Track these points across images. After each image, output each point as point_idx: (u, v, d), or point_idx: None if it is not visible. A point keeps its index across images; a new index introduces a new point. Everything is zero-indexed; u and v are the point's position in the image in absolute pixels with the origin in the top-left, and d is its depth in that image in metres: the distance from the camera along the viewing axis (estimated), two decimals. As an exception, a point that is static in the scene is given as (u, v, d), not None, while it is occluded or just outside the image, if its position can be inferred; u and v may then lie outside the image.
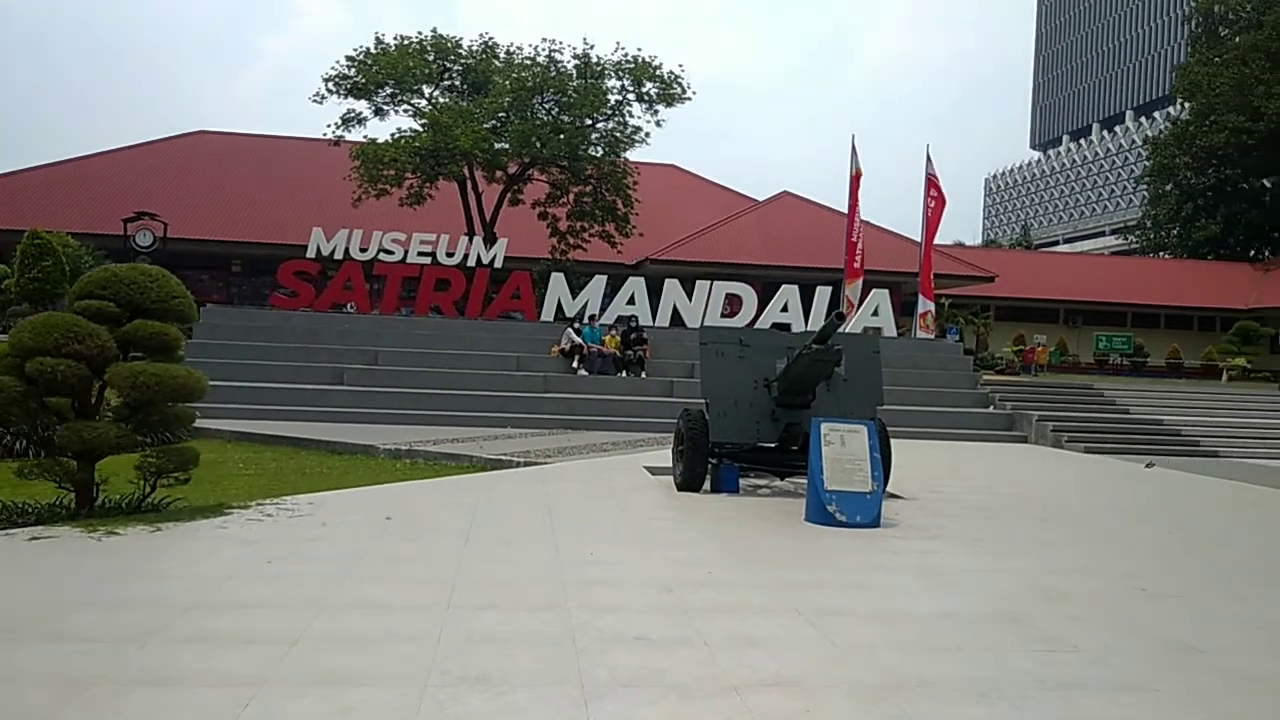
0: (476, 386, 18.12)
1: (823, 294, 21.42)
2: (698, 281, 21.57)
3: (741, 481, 10.08)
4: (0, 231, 31.50)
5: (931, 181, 23.26)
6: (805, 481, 10.64)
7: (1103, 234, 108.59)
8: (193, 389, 7.36)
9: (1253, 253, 57.05)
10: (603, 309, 20.86)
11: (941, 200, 23.54)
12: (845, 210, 24.15)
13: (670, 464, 11.79)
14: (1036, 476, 13.34)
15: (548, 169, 31.41)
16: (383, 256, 21.06)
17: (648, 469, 11.71)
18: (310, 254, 20.99)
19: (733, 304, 21.55)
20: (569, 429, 16.92)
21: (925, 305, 23.04)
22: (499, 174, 31.16)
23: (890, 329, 21.14)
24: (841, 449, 8.27)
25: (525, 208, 31.90)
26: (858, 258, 22.92)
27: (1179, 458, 16.22)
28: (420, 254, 21.23)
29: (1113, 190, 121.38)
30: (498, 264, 21.58)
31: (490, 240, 23.82)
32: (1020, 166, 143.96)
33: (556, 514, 8.07)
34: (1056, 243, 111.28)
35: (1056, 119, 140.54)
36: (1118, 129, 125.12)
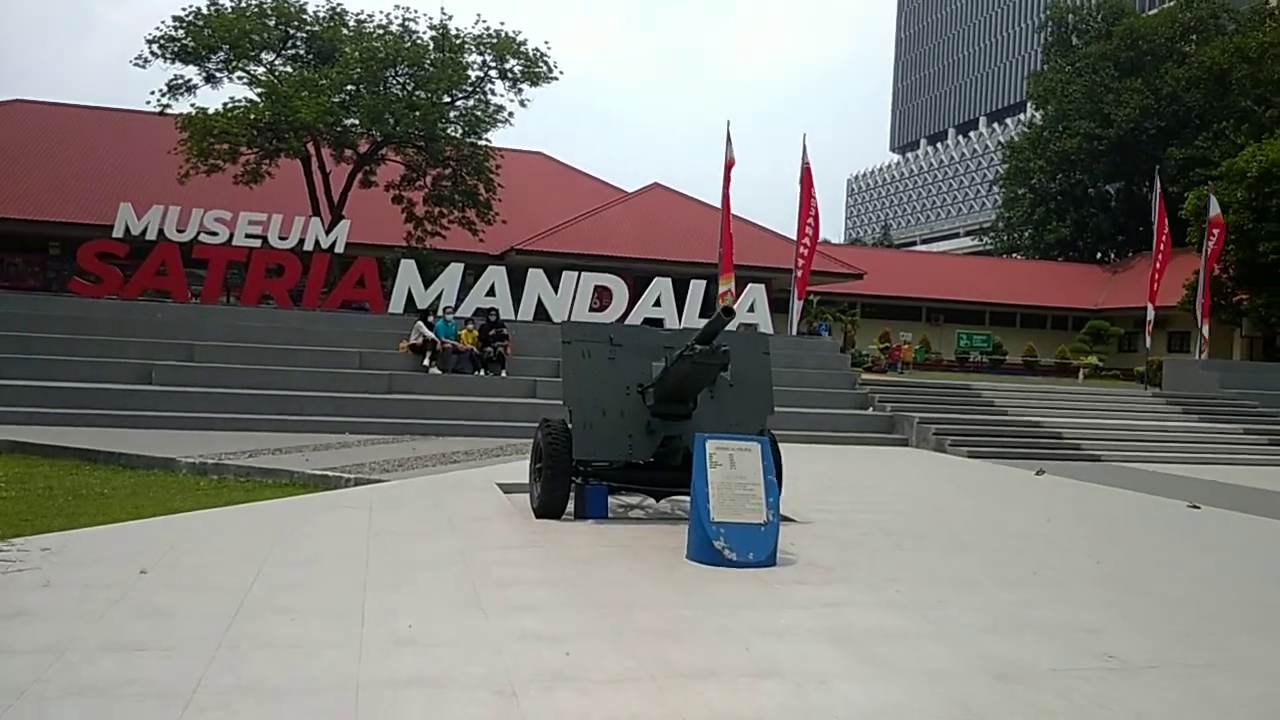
0: (310, 386, 16.02)
1: (697, 288, 20.15)
2: (564, 272, 19.95)
3: (611, 500, 8.55)
4: None
5: (808, 173, 22.31)
6: (686, 501, 9.24)
7: (958, 235, 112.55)
8: None
9: (1099, 255, 59.41)
10: (459, 301, 18.98)
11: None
12: (718, 203, 22.97)
13: (528, 481, 10.21)
14: (929, 488, 12.31)
15: (403, 149, 29.18)
16: (204, 238, 18.55)
17: (501, 487, 10.04)
18: (118, 233, 18.30)
19: (602, 297, 20.04)
20: (417, 435, 15.05)
21: (797, 303, 22.11)
22: (348, 153, 28.75)
23: (767, 325, 20.04)
24: (730, 471, 6.82)
25: (378, 191, 29.57)
26: (721, 250, 21.75)
27: (1064, 462, 15.61)
28: (249, 236, 18.83)
29: (967, 193, 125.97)
30: (339, 248, 19.39)
31: (335, 224, 21.54)
32: (881, 168, 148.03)
33: (374, 560, 6.32)
34: (915, 243, 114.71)
35: (915, 123, 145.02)
36: (972, 134, 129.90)
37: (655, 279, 20.04)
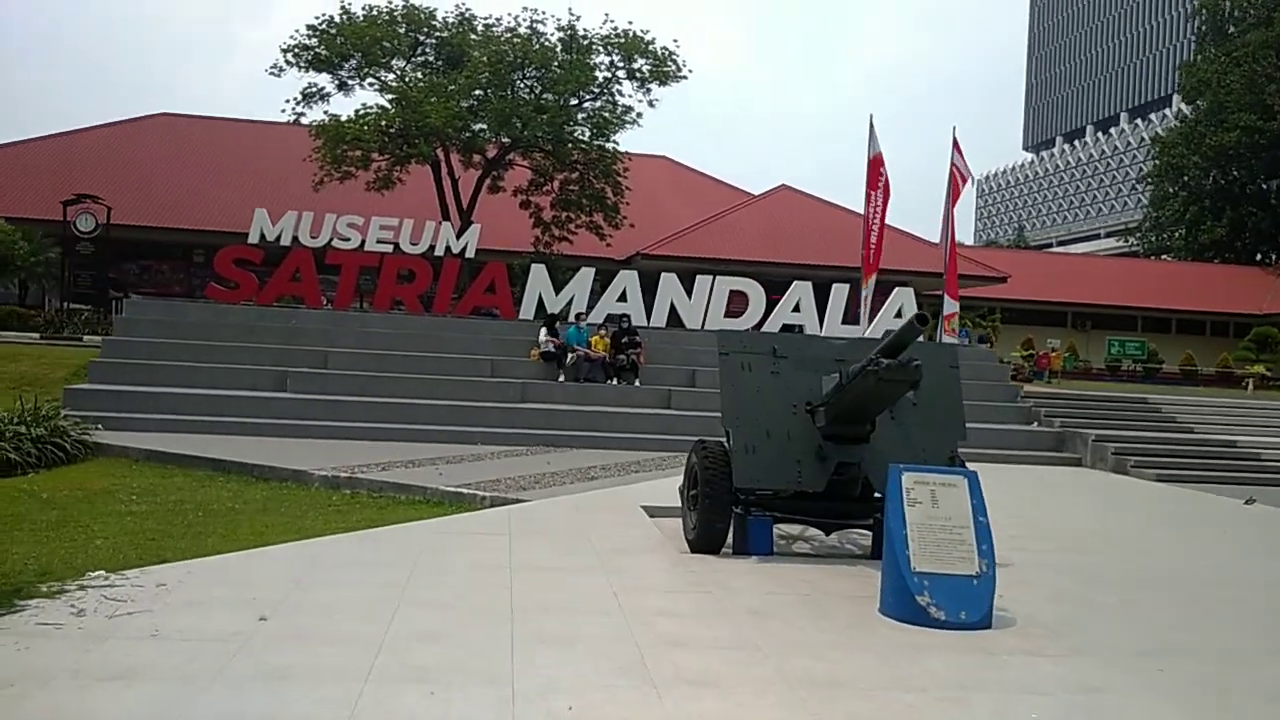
0: (443, 395, 15.55)
1: (839, 292, 18.94)
2: (698, 277, 19.03)
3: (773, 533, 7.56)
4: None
5: (956, 170, 20.78)
6: (858, 535, 8.18)
7: (1098, 236, 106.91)
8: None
9: (1259, 257, 55.01)
10: (590, 306, 18.29)
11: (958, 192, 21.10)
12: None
13: (677, 504, 9.30)
14: (1126, 520, 10.87)
15: (530, 153, 28.84)
16: (337, 243, 18.40)
17: (647, 510, 9.17)
18: (253, 239, 18.32)
19: (737, 302, 19.03)
20: (550, 446, 14.37)
21: (951, 306, 20.56)
22: (476, 158, 28.57)
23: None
24: (932, 510, 5.75)
25: (506, 196, 29.32)
26: (870, 252, 20.38)
27: (1270, 488, 13.78)
28: (380, 241, 18.59)
29: (1108, 192, 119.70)
30: (470, 254, 18.97)
31: (464, 229, 21.18)
32: (1014, 168, 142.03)
33: (520, 603, 5.51)
34: (1051, 244, 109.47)
35: (1049, 120, 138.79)
36: (1113, 130, 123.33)
37: (795, 283, 18.93)
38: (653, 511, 9.15)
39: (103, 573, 6.51)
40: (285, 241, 18.27)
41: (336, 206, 22.05)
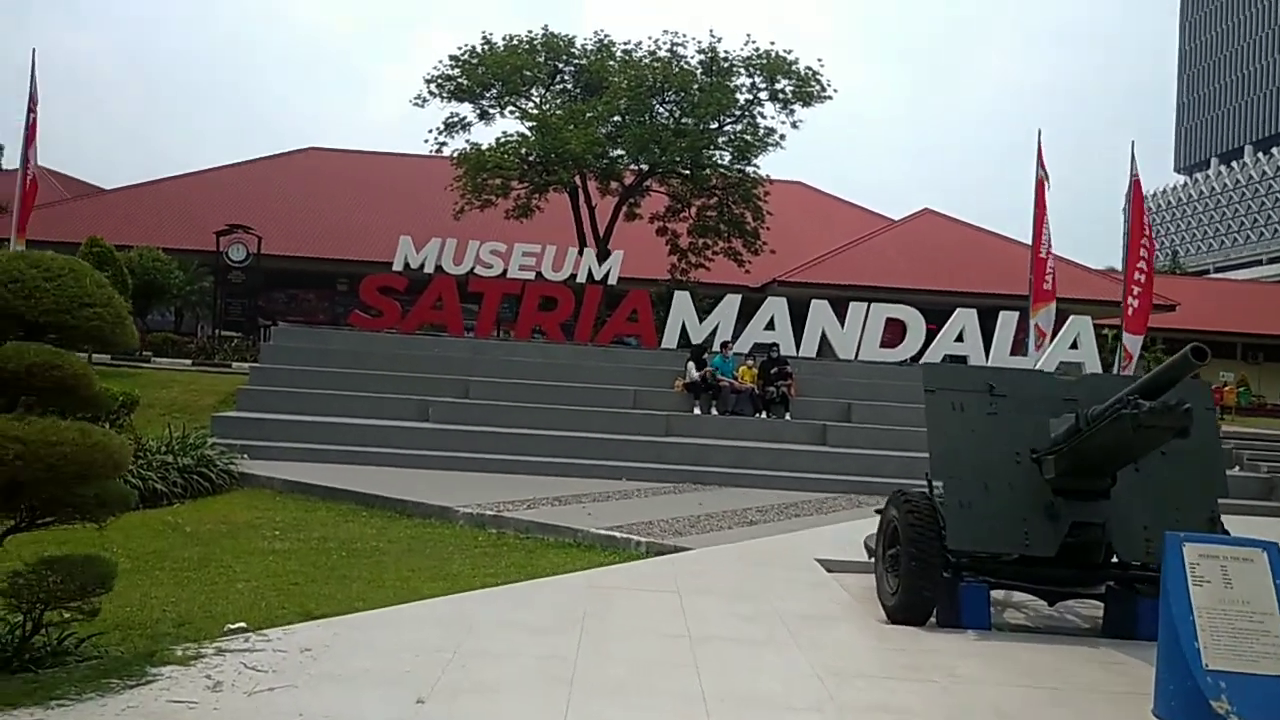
0: (585, 427, 14.91)
1: (1007, 320, 17.49)
2: (850, 304, 17.93)
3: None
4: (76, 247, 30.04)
5: (1138, 187, 19.06)
6: (1083, 606, 7.00)
7: (1260, 262, 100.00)
8: (92, 462, 4.24)
9: None
10: (735, 335, 17.41)
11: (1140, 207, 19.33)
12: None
13: (853, 558, 8.31)
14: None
15: (667, 179, 28.28)
16: (479, 270, 18.10)
17: (823, 565, 8.18)
18: (397, 267, 18.21)
19: (893, 331, 17.84)
20: (697, 484, 13.50)
21: (1132, 340, 18.79)
22: (613, 185, 28.19)
23: (1095, 365, 17.05)
24: (1225, 592, 4.61)
25: (641, 223, 28.83)
26: (1048, 278, 18.82)
27: None
28: (522, 268, 18.21)
29: (1270, 215, 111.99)
30: (612, 281, 18.39)
31: (604, 256, 20.68)
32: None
33: (710, 688, 4.63)
34: (1208, 270, 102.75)
35: (1203, 141, 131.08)
36: (1275, 150, 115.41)
37: (957, 310, 17.60)
38: (829, 565, 8.17)
39: (243, 626, 5.98)
40: (429, 269, 18.10)
41: (476, 235, 21.91)
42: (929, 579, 6.10)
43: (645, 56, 26.51)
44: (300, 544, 8.94)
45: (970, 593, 6.16)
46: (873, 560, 7.36)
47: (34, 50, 18.05)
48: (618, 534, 9.44)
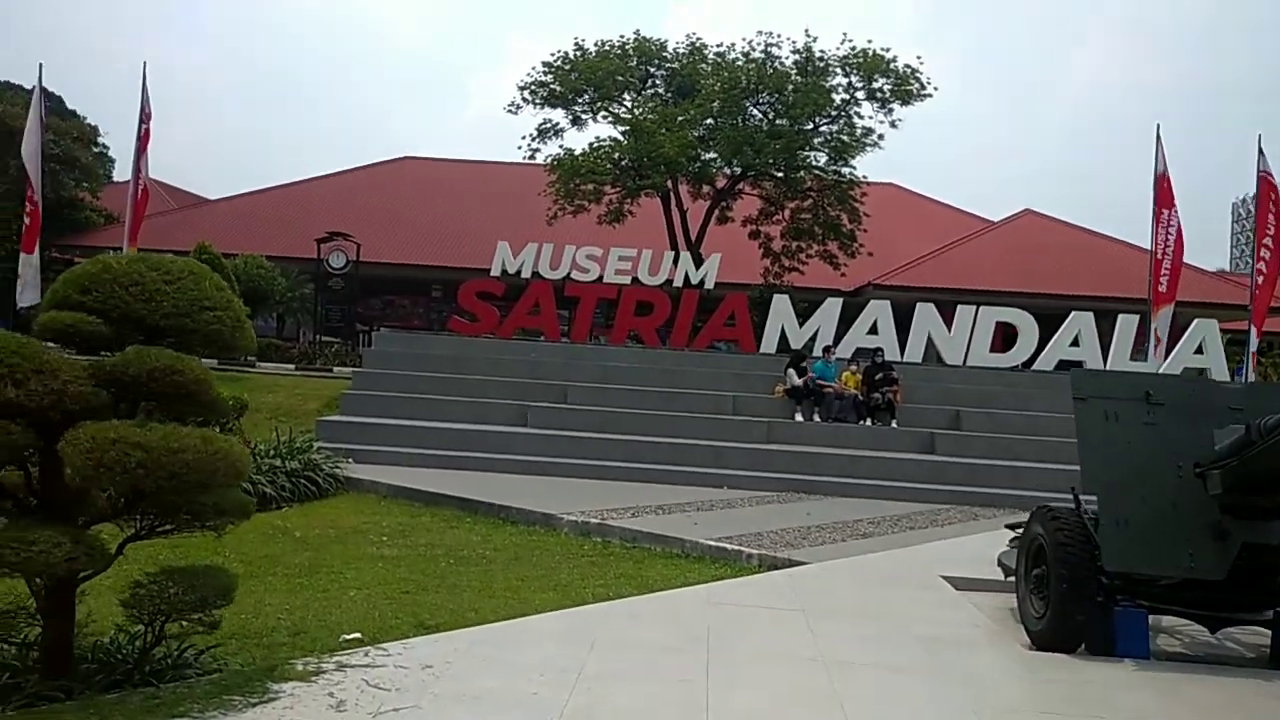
0: (684, 433, 14.61)
1: (1126, 324, 16.60)
2: (958, 307, 17.26)
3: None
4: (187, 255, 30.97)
5: (1266, 181, 17.96)
6: (1254, 635, 6.42)
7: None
8: (214, 471, 4.11)
9: None
10: (836, 339, 16.90)
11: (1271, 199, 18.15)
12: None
13: (982, 575, 7.83)
14: None
15: (760, 182, 27.83)
16: (575, 275, 17.98)
17: (950, 582, 7.72)
18: (494, 272, 18.20)
19: (1003, 335, 17.11)
20: (801, 492, 13.07)
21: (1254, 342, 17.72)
22: (705, 189, 27.86)
23: (1221, 371, 16.06)
24: None
25: (732, 227, 28.44)
26: (1164, 279, 17.86)
27: None
28: (619, 272, 18.02)
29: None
30: (709, 285, 18.06)
31: (697, 260, 20.35)
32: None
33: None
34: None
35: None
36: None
37: (1073, 314, 16.78)
38: (956, 583, 7.71)
39: (358, 637, 5.85)
40: (526, 274, 18.04)
41: (569, 240, 21.85)
42: (1081, 603, 5.63)
43: (739, 58, 26.13)
44: (408, 550, 8.86)
45: (1127, 618, 5.67)
46: (1009, 579, 6.91)
47: (144, 64, 18.59)
48: (728, 545, 9.12)
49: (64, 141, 32.50)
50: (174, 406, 4.48)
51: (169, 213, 37.55)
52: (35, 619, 4.27)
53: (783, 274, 28.07)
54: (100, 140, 37.65)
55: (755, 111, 26.12)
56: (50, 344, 4.36)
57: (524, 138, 27.78)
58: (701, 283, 18.06)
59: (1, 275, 33.01)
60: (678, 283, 18.02)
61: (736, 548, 9.05)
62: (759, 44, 25.99)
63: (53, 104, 31.07)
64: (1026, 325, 16.92)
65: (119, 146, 46.18)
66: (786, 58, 26.09)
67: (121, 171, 39.04)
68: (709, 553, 9.08)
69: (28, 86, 35.89)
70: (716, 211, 27.90)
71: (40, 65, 33.42)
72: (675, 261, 18.35)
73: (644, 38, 27.25)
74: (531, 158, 27.44)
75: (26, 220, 20.22)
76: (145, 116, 18.69)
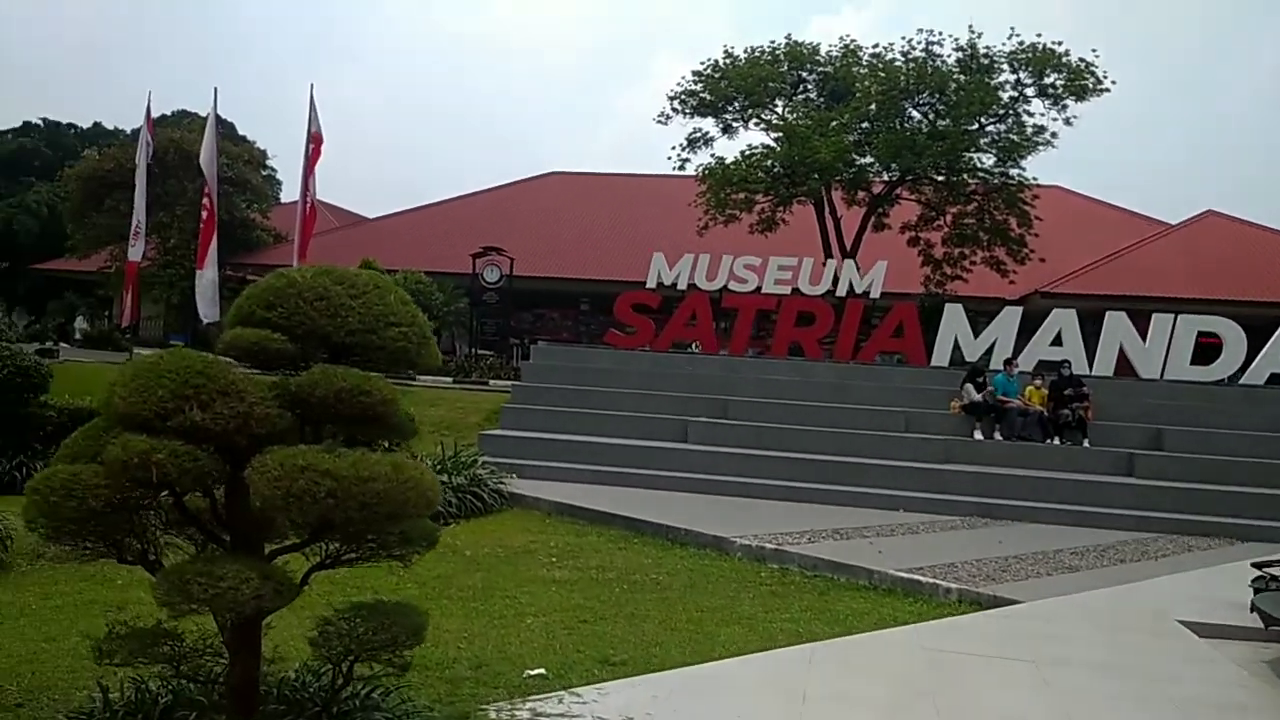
0: (852, 451, 13.83)
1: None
2: (1154, 315, 15.81)
3: None
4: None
5: None
6: None
7: None
8: (405, 501, 3.74)
9: None
10: (1016, 351, 15.73)
11: None
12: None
13: (1229, 621, 6.84)
14: None
15: (919, 186, 26.59)
16: (733, 286, 17.40)
17: (1189, 628, 6.76)
18: (650, 284, 17.83)
19: (1204, 347, 15.57)
20: (986, 517, 12.10)
21: None
22: (861, 195, 26.82)
23: None
24: None
25: (888, 234, 27.26)
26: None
27: None
28: (778, 282, 17.33)
29: None
30: (875, 293, 17.16)
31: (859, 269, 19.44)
32: None
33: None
34: None
35: None
36: None
37: (1289, 322, 15.11)
38: (1201, 630, 6.75)
39: (542, 673, 5.46)
40: (682, 285, 17.59)
41: (719, 251, 21.32)
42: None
43: (897, 58, 25.00)
44: (579, 573, 8.49)
45: None
46: (1272, 629, 5.95)
47: (311, 85, 19.15)
48: (921, 577, 8.37)
49: (236, 165, 34.18)
50: (358, 429, 4.16)
51: (332, 231, 39.07)
52: (221, 655, 4.02)
53: (945, 282, 26.73)
54: (269, 163, 39.56)
55: (915, 113, 24.95)
56: (232, 361, 4.12)
57: (673, 148, 27.37)
58: (868, 291, 17.18)
59: (181, 293, 35.14)
60: (840, 292, 17.19)
61: (931, 580, 8.29)
62: (919, 42, 24.83)
63: (224, 129, 32.72)
64: (1234, 336, 15.32)
65: (284, 169, 48.52)
66: (949, 55, 24.83)
67: (288, 193, 40.96)
68: (900, 585, 8.35)
69: (202, 114, 38.31)
70: (873, 218, 26.82)
71: (215, 89, 35.67)
72: (838, 270, 17.52)
73: (796, 42, 26.47)
74: (681, 168, 27.05)
75: (202, 224, 21.03)
76: (313, 138, 19.28)
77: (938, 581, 8.23)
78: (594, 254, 36.03)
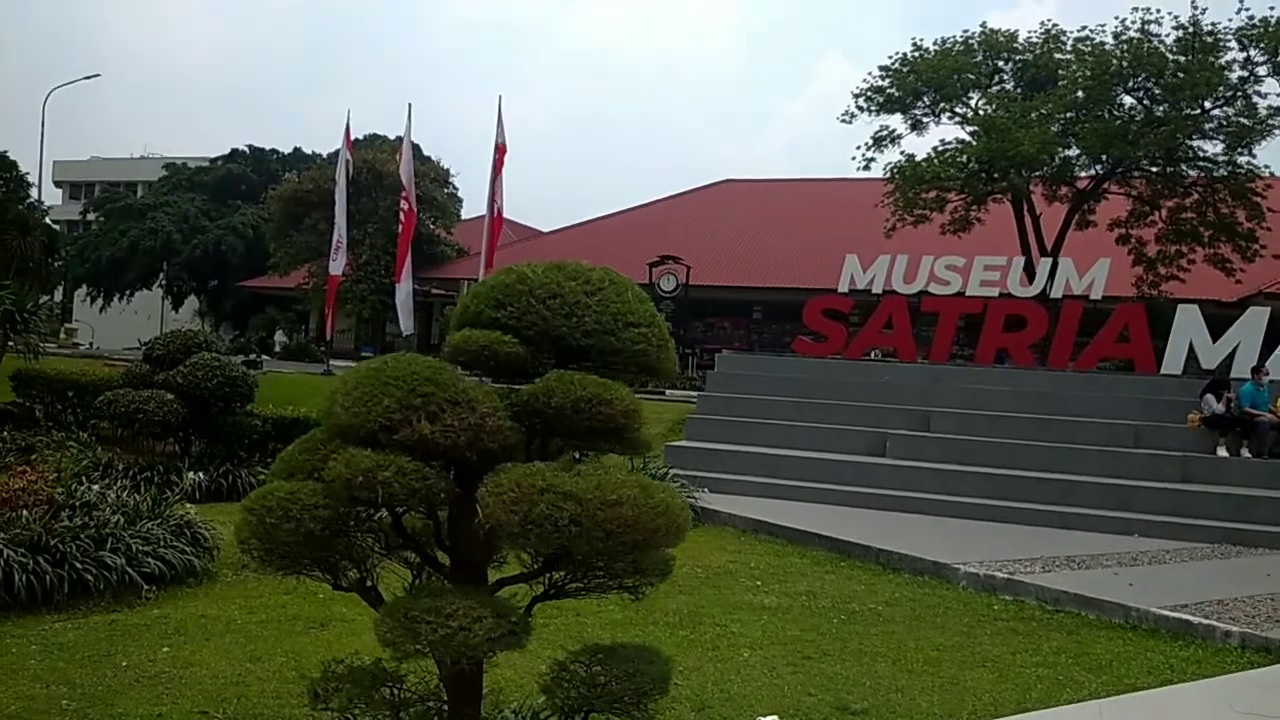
0: (1076, 468, 12.56)
1: None
2: None
3: None
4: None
5: None
6: None
7: None
8: (654, 530, 3.22)
9: None
10: (1261, 358, 13.97)
11: None
12: None
13: None
14: None
15: (1128, 179, 24.50)
16: (934, 288, 16.28)
17: None
18: (842, 288, 16.94)
19: None
20: (1235, 544, 10.67)
21: None
22: (1062, 190, 24.96)
23: None
24: None
25: (1092, 232, 25.27)
26: None
27: None
28: (984, 284, 16.09)
29: None
30: (1096, 294, 15.66)
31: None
32: None
33: None
34: None
35: None
36: None
37: None
38: None
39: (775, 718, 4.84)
40: (877, 289, 16.62)
41: (908, 253, 20.17)
42: None
43: (1108, 41, 23.04)
44: (788, 599, 7.84)
45: None
46: None
47: (500, 97, 19.35)
48: (1190, 616, 7.25)
49: (423, 182, 35.38)
50: (591, 443, 3.69)
51: (509, 245, 39.83)
52: (442, 699, 3.60)
53: (1159, 283, 24.52)
54: (451, 180, 40.81)
55: (1128, 99, 22.96)
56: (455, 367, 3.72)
57: (858, 147, 26.33)
58: (1088, 292, 15.67)
59: (371, 307, 36.64)
60: (1055, 293, 15.77)
61: (1204, 620, 7.17)
62: (1133, 22, 22.78)
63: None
64: None
65: (464, 186, 50.11)
66: (1166, 35, 22.71)
67: (468, 209, 42.13)
68: (1163, 624, 7.28)
69: (391, 137, 39.88)
70: (1077, 215, 24.90)
71: (409, 105, 37.08)
72: (1052, 270, 16.08)
73: (991, 30, 24.95)
74: (866, 168, 25.93)
75: (399, 237, 21.53)
76: (499, 148, 19.47)
77: (1213, 622, 7.11)
78: (767, 261, 35.26)
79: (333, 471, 3.18)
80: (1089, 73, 22.36)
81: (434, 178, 38.14)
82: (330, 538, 3.42)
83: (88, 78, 43.14)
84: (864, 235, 26.10)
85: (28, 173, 31.68)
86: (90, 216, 50.58)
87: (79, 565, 6.77)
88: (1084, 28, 24.25)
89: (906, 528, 10.90)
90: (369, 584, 3.71)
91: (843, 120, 25.64)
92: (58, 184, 63.73)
